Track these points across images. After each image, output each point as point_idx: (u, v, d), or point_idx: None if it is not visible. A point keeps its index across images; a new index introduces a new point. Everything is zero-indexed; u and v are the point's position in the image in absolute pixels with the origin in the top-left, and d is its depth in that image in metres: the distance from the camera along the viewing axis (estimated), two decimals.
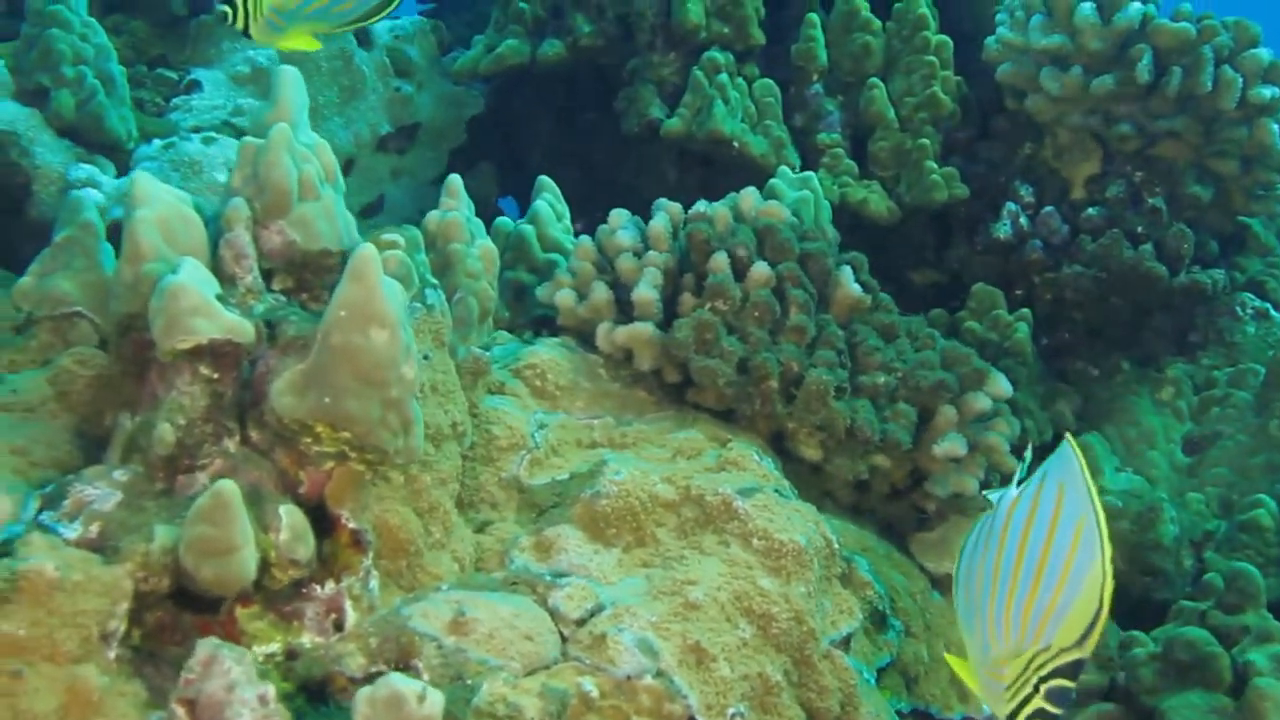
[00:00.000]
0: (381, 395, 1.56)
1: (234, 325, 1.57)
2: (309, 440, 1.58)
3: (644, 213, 3.08)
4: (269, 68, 3.23)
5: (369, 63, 3.45)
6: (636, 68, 3.10)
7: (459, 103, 3.63)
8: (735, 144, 2.82)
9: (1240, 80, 2.72)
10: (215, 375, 1.59)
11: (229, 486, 1.44)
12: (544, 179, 2.55)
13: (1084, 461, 1.39)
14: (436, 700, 1.33)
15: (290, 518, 1.54)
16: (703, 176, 3.08)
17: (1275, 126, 2.81)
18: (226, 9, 1.99)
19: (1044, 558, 1.38)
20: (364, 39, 3.47)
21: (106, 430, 1.76)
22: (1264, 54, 2.77)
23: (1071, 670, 1.36)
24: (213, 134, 2.81)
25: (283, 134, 1.75)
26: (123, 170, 2.73)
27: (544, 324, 2.36)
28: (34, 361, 1.82)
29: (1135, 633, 2.19)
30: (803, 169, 2.88)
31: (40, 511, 1.54)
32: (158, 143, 2.72)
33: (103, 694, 1.38)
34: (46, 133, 2.66)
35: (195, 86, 3.13)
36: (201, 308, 1.55)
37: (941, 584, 2.27)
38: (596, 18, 3.13)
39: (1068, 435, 1.43)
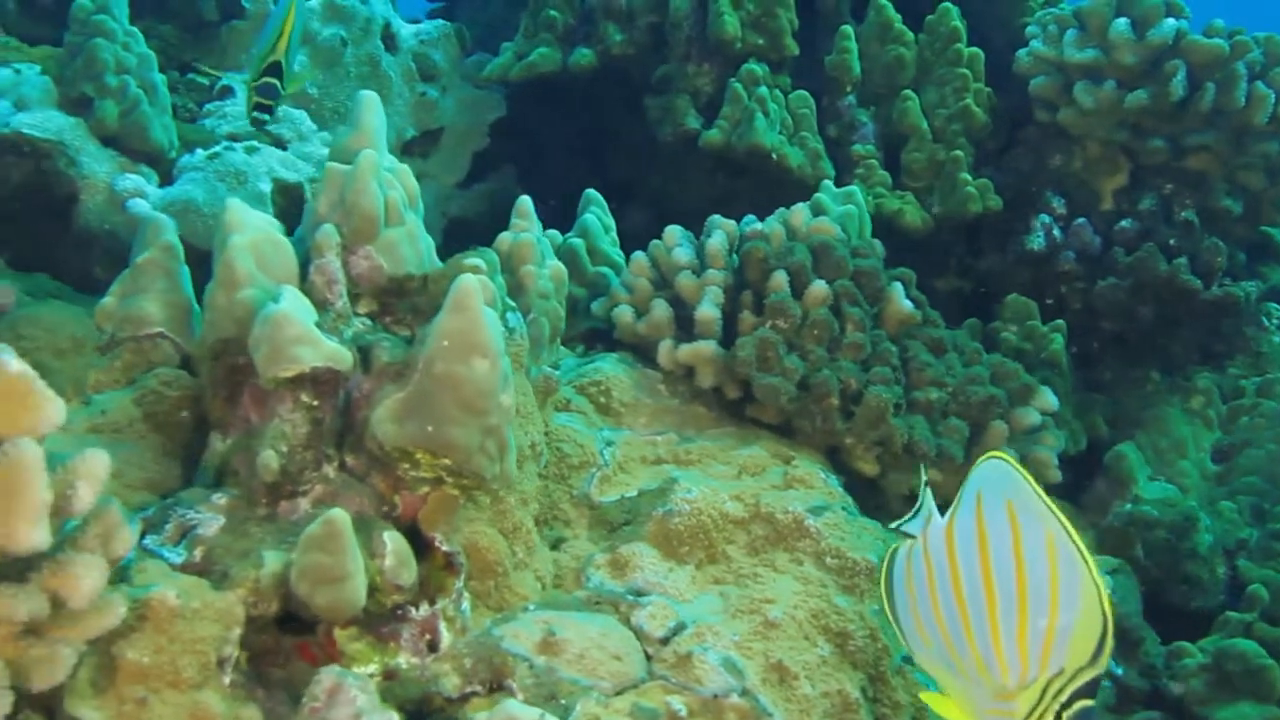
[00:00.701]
0: (482, 423, 1.59)
1: (334, 353, 1.60)
2: (407, 466, 1.61)
3: (674, 219, 3.13)
4: (301, 74, 3.24)
5: (395, 67, 3.47)
6: (667, 76, 3.12)
7: (481, 106, 3.65)
8: (774, 156, 2.85)
9: (1272, 96, 2.77)
10: (316, 402, 1.61)
11: (341, 516, 1.47)
12: (591, 193, 2.58)
13: (1026, 472, 1.35)
14: None
15: (394, 544, 1.57)
16: (730, 183, 3.11)
17: None
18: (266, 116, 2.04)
19: (1021, 581, 1.33)
20: (390, 43, 3.49)
21: (193, 451, 1.79)
22: None
23: (1090, 689, 1.33)
24: (254, 144, 2.83)
25: (370, 161, 1.78)
26: (165, 179, 2.75)
27: (596, 337, 2.39)
28: (118, 382, 1.84)
29: (1184, 643, 2.25)
30: (836, 180, 2.91)
31: (143, 535, 1.57)
32: (201, 153, 2.73)
33: (222, 718, 1.41)
34: (92, 142, 2.67)
35: (228, 92, 3.15)
36: (304, 337, 1.58)
37: None
38: (627, 26, 3.16)
39: (993, 452, 1.39)
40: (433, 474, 1.62)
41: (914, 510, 1.47)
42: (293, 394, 1.61)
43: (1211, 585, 2.52)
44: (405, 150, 3.50)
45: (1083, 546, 1.30)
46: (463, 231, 3.37)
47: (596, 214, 2.53)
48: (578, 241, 2.46)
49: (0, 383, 1.22)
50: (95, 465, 1.28)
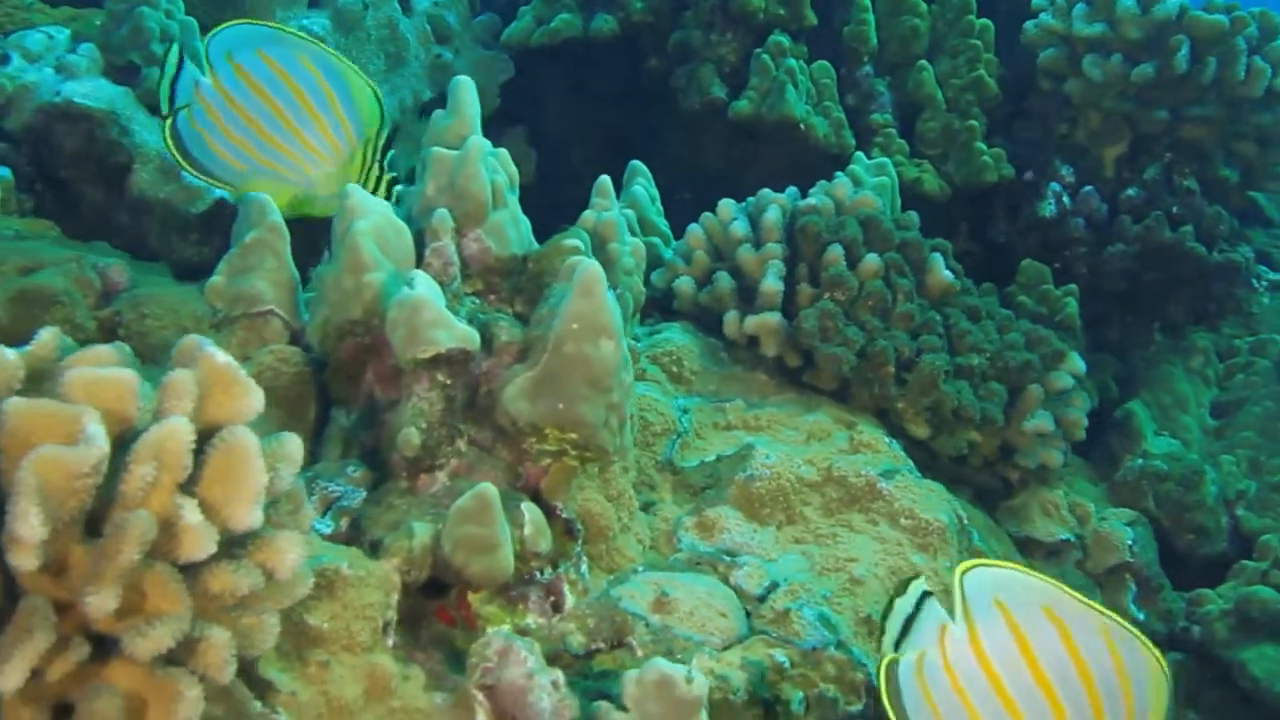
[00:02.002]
0: (606, 399, 1.70)
1: (467, 335, 1.70)
2: (534, 440, 1.72)
3: (690, 184, 3.24)
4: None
5: (411, 30, 3.52)
6: (686, 42, 3.21)
7: (493, 67, 3.71)
8: (802, 126, 2.97)
9: (1269, 70, 2.93)
10: (449, 381, 1.72)
11: (491, 490, 1.58)
12: (637, 164, 2.68)
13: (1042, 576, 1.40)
14: (702, 682, 1.50)
15: (531, 514, 1.68)
16: (748, 150, 3.22)
17: None
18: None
19: (1091, 688, 1.36)
20: (405, 5, 3.54)
21: (309, 425, 1.88)
22: None
23: None
24: None
25: (478, 147, 1.87)
26: None
27: (650, 305, 2.50)
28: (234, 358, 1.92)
29: (1204, 590, 2.42)
30: (855, 148, 3.04)
31: None
32: None
33: (395, 678, 1.52)
34: (141, 111, 2.72)
35: None
36: (440, 320, 1.68)
37: (1022, 546, 2.48)
38: None
39: (973, 562, 1.43)
40: (557, 446, 1.73)
41: (903, 620, 1.45)
42: (429, 373, 1.71)
43: (1216, 534, 2.70)
44: (422, 112, 3.56)
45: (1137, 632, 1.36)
46: None
47: (643, 185, 2.62)
48: (628, 213, 2.56)
49: (210, 373, 1.31)
50: (292, 448, 1.38)
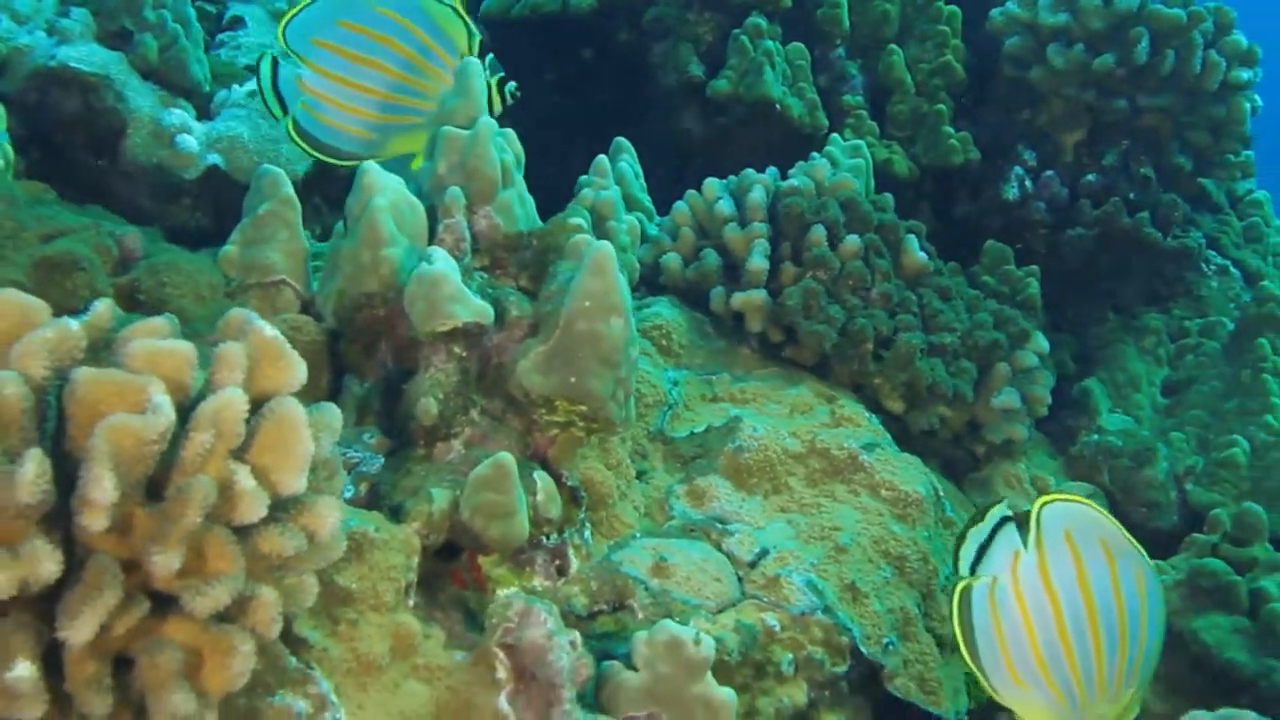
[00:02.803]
0: (615, 374, 1.79)
1: (482, 309, 1.78)
2: (544, 411, 1.81)
3: (666, 160, 3.31)
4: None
5: None
6: (662, 19, 3.28)
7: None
8: (778, 106, 3.06)
9: (1223, 63, 3.05)
10: (465, 354, 1.80)
11: (508, 459, 1.67)
12: (622, 140, 2.75)
13: (1106, 513, 1.59)
14: (709, 644, 1.59)
15: (543, 482, 1.77)
16: (723, 127, 3.29)
17: (1246, 104, 3.16)
18: None
19: (1121, 614, 1.54)
20: None
21: (323, 392, 1.95)
22: (1242, 39, 3.11)
23: None
24: None
25: (490, 128, 1.95)
26: (201, 113, 2.84)
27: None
28: None
29: (1158, 562, 2.55)
30: (827, 128, 3.13)
31: None
32: (240, 89, 2.83)
33: (419, 637, 1.61)
34: (135, 76, 2.75)
35: (239, 22, 3.23)
36: (458, 295, 1.76)
37: None
38: None
39: (1062, 495, 1.65)
40: (566, 418, 1.82)
41: (977, 547, 1.59)
42: (446, 346, 1.79)
43: (1167, 508, 2.83)
44: None
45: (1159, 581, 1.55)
46: None
47: (628, 161, 2.70)
48: (616, 189, 2.64)
49: (258, 346, 1.38)
50: (331, 418, 1.45)
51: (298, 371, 1.40)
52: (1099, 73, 3.08)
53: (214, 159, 2.70)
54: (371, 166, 1.88)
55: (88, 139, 2.70)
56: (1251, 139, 3.30)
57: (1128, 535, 1.57)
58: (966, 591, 1.59)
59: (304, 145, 1.89)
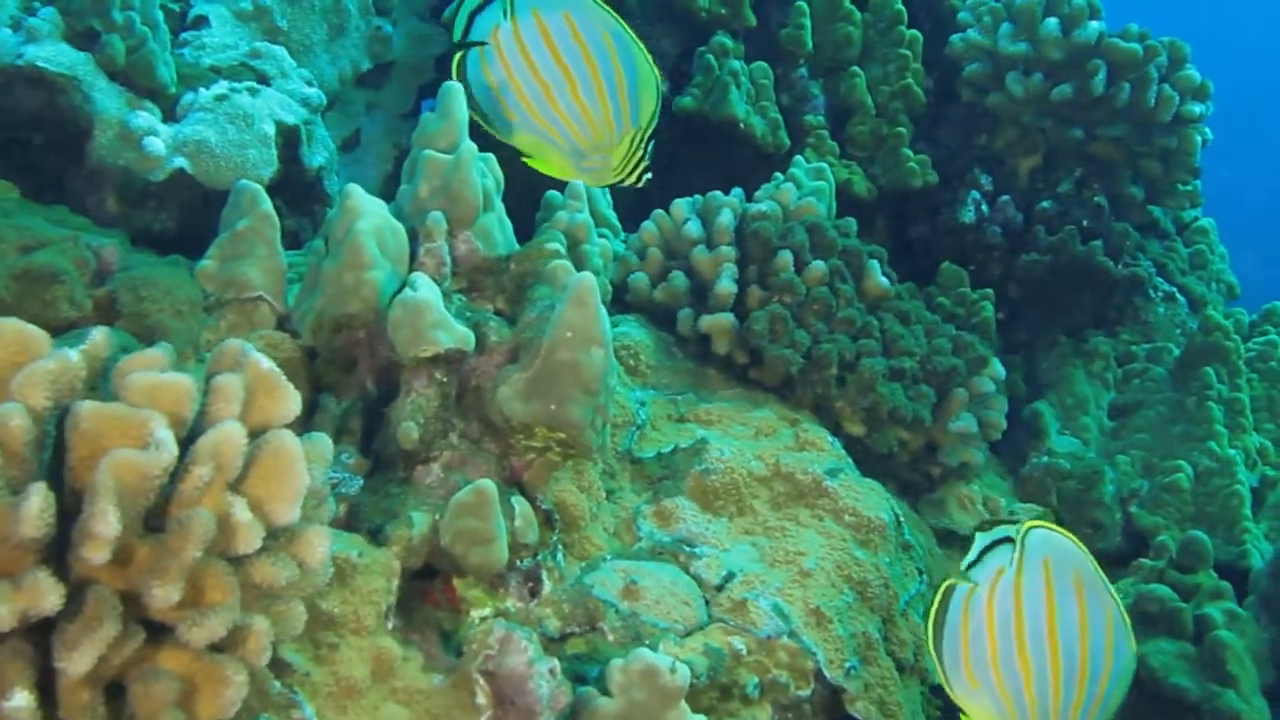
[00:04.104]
0: (594, 402, 1.82)
1: (464, 336, 1.81)
2: (522, 437, 1.84)
3: None
4: (270, 6, 3.34)
5: (354, 1, 3.58)
6: None
7: (428, 40, 3.78)
8: (742, 125, 3.09)
9: (1177, 97, 3.13)
10: (445, 378, 1.82)
11: (489, 486, 1.70)
12: None
13: (1085, 548, 1.71)
14: (685, 673, 1.63)
15: (521, 508, 1.80)
16: (684, 143, 3.33)
17: (1198, 137, 3.24)
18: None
19: (1084, 650, 1.67)
20: None
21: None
22: (1195, 74, 3.18)
23: None
24: (254, 85, 2.93)
25: (472, 154, 1.97)
26: (167, 115, 2.83)
27: None
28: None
29: None
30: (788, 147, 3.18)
31: None
32: (206, 93, 2.82)
33: (399, 660, 1.63)
34: (102, 78, 2.74)
35: (203, 22, 3.22)
36: (441, 322, 1.78)
37: (939, 538, 2.65)
38: None
39: (1044, 524, 1.74)
40: (543, 444, 1.85)
41: (976, 554, 1.74)
42: (428, 371, 1.81)
43: (1111, 529, 2.91)
44: (359, 82, 3.61)
45: (1129, 625, 1.65)
46: None
47: None
48: (588, 212, 2.67)
49: (254, 378, 1.40)
50: (324, 449, 1.48)
51: (292, 403, 1.43)
52: (1056, 101, 3.14)
53: (180, 162, 2.69)
54: (354, 189, 1.90)
55: (53, 139, 2.69)
56: (1200, 170, 3.38)
57: (1104, 577, 1.65)
58: (949, 590, 1.72)
59: (454, 77, 1.88)
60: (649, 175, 1.97)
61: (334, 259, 1.89)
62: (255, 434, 1.38)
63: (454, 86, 2.09)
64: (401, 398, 1.82)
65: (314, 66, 3.47)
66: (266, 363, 1.42)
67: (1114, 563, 2.79)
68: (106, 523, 1.22)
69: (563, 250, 2.03)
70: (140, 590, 1.28)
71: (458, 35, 1.83)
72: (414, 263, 1.93)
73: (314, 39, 3.47)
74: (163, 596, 1.27)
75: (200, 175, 2.72)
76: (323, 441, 1.48)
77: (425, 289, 1.79)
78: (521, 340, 1.86)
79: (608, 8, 1.80)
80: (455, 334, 1.80)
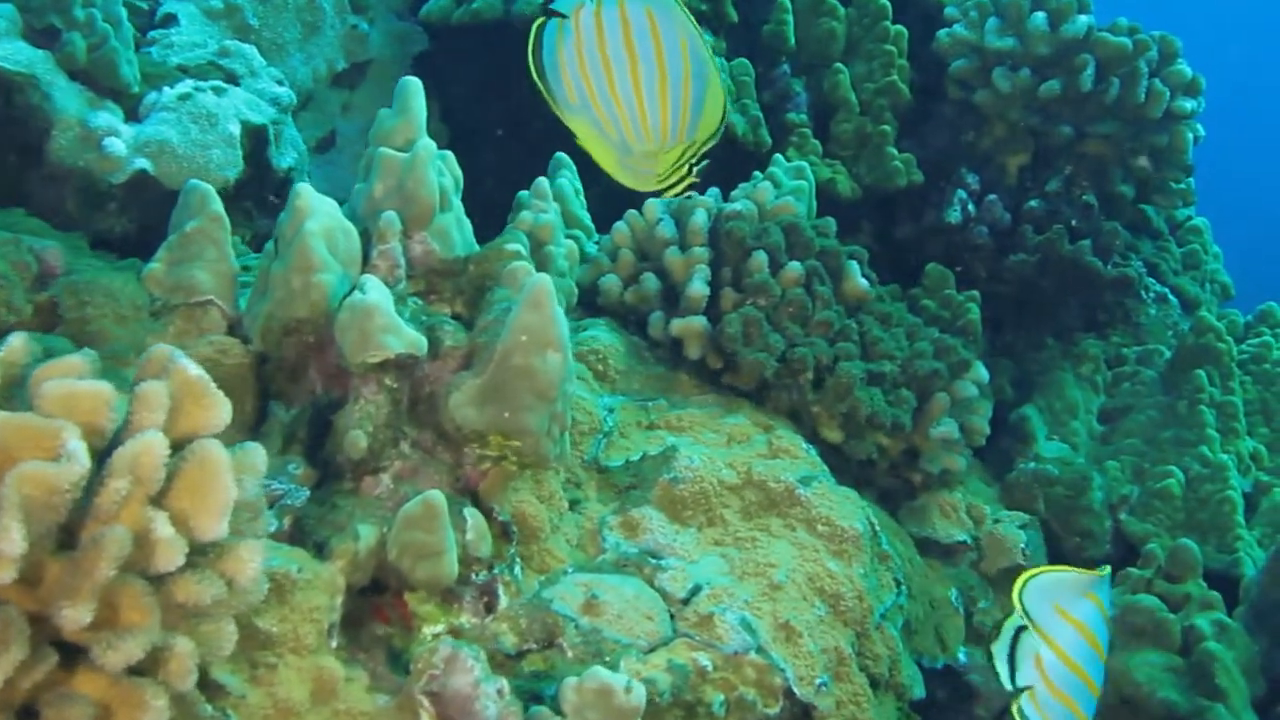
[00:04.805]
0: (550, 409, 1.75)
1: (415, 341, 1.74)
2: (476, 445, 1.77)
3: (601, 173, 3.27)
4: (241, 4, 3.28)
5: None
6: None
7: (406, 39, 3.71)
8: None
9: (1168, 93, 3.05)
10: (396, 385, 1.75)
11: (438, 498, 1.63)
12: (562, 156, 2.71)
13: None
14: (640, 692, 1.56)
15: (473, 520, 1.73)
16: None
17: (1189, 134, 3.16)
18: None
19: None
20: None
21: (247, 417, 1.90)
22: (1186, 69, 3.11)
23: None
24: (220, 84, 2.86)
25: (429, 152, 1.90)
26: (130, 115, 2.77)
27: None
28: None
29: None
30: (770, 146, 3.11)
31: None
32: (170, 92, 2.75)
33: (341, 681, 1.56)
34: (62, 76, 2.67)
35: (172, 20, 3.16)
36: (390, 326, 1.71)
37: (921, 547, 2.58)
38: None
39: None
40: (499, 452, 1.77)
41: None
42: (377, 377, 1.74)
43: (1101, 537, 2.83)
44: (335, 82, 3.55)
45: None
46: None
47: (568, 178, 2.66)
48: (554, 212, 2.59)
49: (181, 385, 1.33)
50: (256, 459, 1.41)
51: (222, 411, 1.36)
52: (1044, 98, 3.07)
53: (142, 164, 2.62)
54: (304, 189, 1.83)
55: (10, 139, 2.62)
56: (1193, 168, 3.30)
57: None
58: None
59: (530, 45, 1.83)
60: (694, 193, 1.96)
61: (282, 261, 1.82)
62: (182, 443, 1.31)
63: (412, 82, 2.03)
64: (350, 405, 1.75)
65: (287, 66, 3.40)
66: (194, 369, 1.35)
67: None
68: (10, 540, 1.15)
69: (524, 251, 1.96)
70: (51, 611, 1.22)
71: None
72: (367, 265, 1.86)
73: (287, 38, 3.41)
74: (73, 617, 1.20)
75: (162, 176, 2.65)
76: (255, 452, 1.41)
77: (375, 292, 1.72)
78: (477, 345, 1.79)
79: (693, 18, 1.75)
80: (406, 338, 1.73)
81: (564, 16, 1.75)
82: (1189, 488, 2.86)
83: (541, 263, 2.16)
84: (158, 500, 1.28)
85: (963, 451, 2.53)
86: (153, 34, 3.14)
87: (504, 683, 1.54)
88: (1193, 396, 2.98)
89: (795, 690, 1.89)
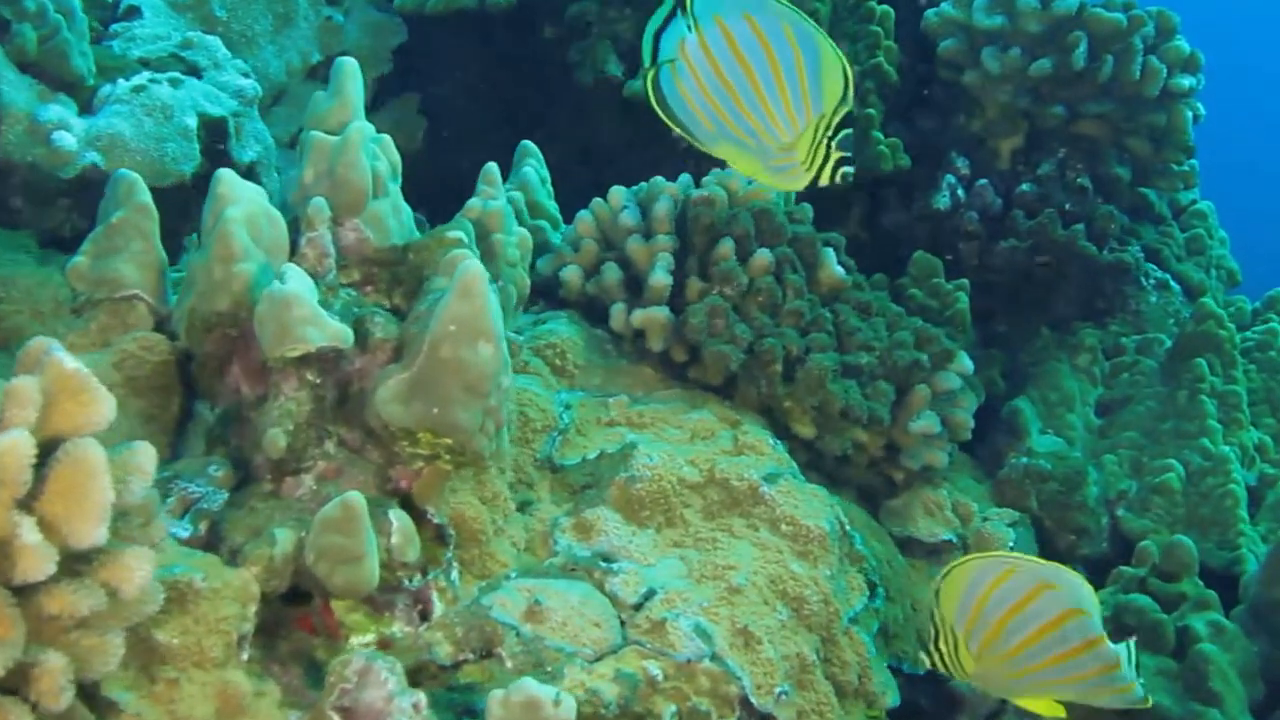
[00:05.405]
0: (483, 404, 1.65)
1: (339, 333, 1.64)
2: (407, 444, 1.67)
3: (584, 159, 3.18)
4: None
5: None
6: (582, 16, 3.14)
7: (383, 30, 3.61)
8: None
9: (1164, 70, 2.93)
10: (318, 380, 1.65)
11: (358, 499, 1.52)
12: (528, 144, 2.61)
13: None
14: (570, 705, 1.45)
15: (400, 522, 1.62)
16: (642, 127, 3.15)
17: (1189, 113, 3.04)
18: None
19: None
20: None
21: (172, 417, 1.81)
22: (1184, 45, 2.98)
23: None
24: (178, 75, 2.77)
25: (360, 135, 1.80)
26: (84, 108, 2.68)
27: (536, 292, 2.44)
28: (94, 344, 1.84)
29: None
30: None
31: None
32: (125, 84, 2.66)
33: (249, 696, 1.46)
34: (10, 69, 2.58)
35: (135, 13, 3.07)
36: (311, 318, 1.61)
37: (903, 546, 2.47)
38: None
39: None
40: (430, 451, 1.67)
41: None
42: (297, 373, 1.64)
43: (1097, 534, 2.71)
44: (310, 75, 3.45)
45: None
46: None
47: (534, 166, 2.56)
48: (516, 195, 2.49)
49: (58, 379, 1.24)
50: (144, 459, 1.31)
51: (103, 409, 1.26)
52: (1035, 78, 2.95)
53: (93, 158, 2.53)
54: (226, 174, 1.73)
55: None
56: (1194, 149, 3.17)
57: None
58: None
59: (651, 100, 1.82)
60: (849, 169, 1.83)
61: (204, 251, 1.72)
62: (57, 443, 1.21)
63: (348, 62, 1.93)
64: (270, 402, 1.65)
65: (258, 59, 3.32)
66: (72, 362, 1.25)
67: (1100, 570, 2.60)
68: None
69: (466, 239, 1.86)
70: None
71: (647, 58, 1.80)
72: (295, 254, 1.76)
73: (257, 29, 3.32)
74: None
75: (115, 171, 2.56)
76: (143, 451, 1.31)
77: (295, 281, 1.62)
78: (408, 337, 1.69)
79: (787, 2, 1.75)
80: (328, 331, 1.63)
81: (672, 61, 1.78)
82: (1189, 481, 2.74)
83: (490, 252, 2.05)
84: (26, 506, 1.18)
85: (945, 446, 2.42)
86: (115, 27, 3.05)
87: (421, 697, 1.43)
88: (1193, 386, 2.85)
89: (753, 700, 1.79)
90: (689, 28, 1.77)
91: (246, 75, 2.97)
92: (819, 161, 1.81)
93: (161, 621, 1.42)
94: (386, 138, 1.90)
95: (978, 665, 1.79)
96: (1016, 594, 1.74)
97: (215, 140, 2.74)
